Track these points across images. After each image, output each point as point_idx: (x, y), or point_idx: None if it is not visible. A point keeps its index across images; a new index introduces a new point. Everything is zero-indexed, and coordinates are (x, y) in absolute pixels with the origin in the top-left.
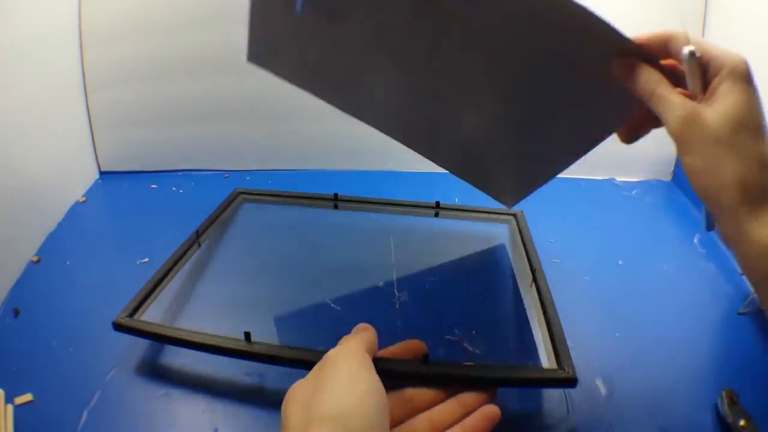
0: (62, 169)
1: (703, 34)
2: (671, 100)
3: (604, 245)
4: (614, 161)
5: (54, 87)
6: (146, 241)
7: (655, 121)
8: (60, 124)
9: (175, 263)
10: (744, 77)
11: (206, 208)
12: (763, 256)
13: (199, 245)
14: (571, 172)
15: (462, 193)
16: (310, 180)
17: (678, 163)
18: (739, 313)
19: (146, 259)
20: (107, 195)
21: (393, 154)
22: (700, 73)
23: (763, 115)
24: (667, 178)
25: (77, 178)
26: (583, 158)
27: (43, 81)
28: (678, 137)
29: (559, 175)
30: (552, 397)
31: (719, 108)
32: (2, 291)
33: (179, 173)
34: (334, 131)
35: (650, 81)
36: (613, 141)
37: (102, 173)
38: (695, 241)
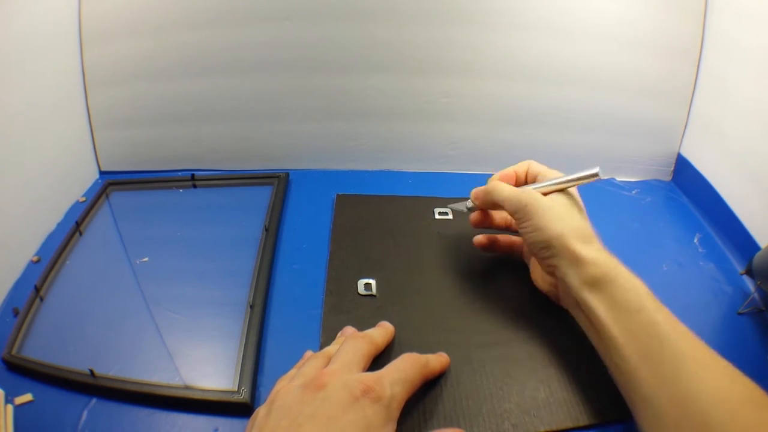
0: (62, 169)
1: (703, 34)
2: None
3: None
4: (614, 161)
5: (54, 86)
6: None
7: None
8: (60, 124)
9: (62, 250)
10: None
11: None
12: (591, 265)
13: (81, 234)
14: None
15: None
16: (310, 180)
17: (678, 163)
18: (739, 313)
19: (146, 259)
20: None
21: (393, 154)
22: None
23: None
24: (667, 178)
25: (77, 178)
26: (582, 158)
27: (43, 80)
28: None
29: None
30: None
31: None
32: (2, 291)
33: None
34: (336, 131)
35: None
36: (612, 141)
37: (102, 173)
38: (695, 241)
